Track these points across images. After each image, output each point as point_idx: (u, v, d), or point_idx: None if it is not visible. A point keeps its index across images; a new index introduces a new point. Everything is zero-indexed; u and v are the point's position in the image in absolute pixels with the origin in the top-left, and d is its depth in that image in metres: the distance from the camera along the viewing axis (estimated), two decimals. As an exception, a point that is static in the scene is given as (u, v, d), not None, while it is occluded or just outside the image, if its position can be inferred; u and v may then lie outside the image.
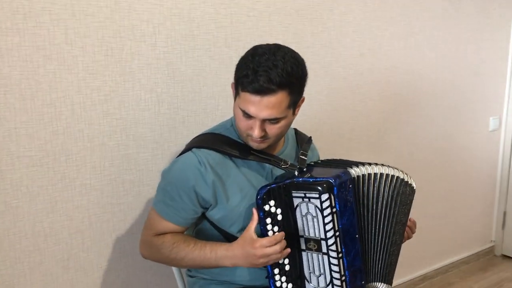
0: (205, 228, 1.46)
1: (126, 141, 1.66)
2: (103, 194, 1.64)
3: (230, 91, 1.85)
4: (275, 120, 1.30)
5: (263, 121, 1.29)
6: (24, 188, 1.49)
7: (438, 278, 2.93)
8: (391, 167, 1.41)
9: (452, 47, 2.70)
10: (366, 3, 2.25)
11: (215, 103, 1.84)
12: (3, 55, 1.40)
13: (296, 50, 1.33)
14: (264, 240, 1.27)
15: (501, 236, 3.26)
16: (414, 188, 1.44)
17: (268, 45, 1.30)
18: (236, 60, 1.83)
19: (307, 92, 2.09)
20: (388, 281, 1.43)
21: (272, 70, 1.22)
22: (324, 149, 1.92)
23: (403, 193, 1.40)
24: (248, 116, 1.29)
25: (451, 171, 2.88)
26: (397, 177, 1.40)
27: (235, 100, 1.35)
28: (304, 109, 2.11)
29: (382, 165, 1.40)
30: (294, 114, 1.36)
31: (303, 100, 1.39)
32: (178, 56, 1.72)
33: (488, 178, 3.17)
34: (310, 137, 1.60)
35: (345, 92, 2.28)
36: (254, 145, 1.36)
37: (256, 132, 1.29)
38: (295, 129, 1.61)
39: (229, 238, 1.39)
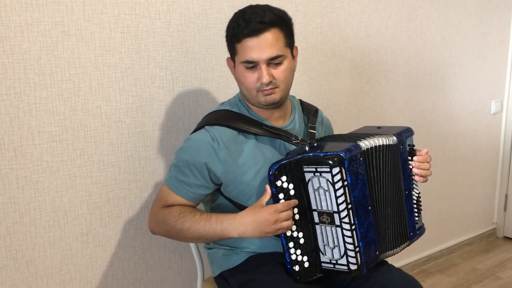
0: (221, 204, 1.48)
1: (142, 118, 1.68)
2: (120, 170, 1.66)
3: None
4: (278, 59, 1.33)
5: (268, 64, 1.33)
6: (44, 163, 1.51)
7: (442, 259, 2.98)
8: (384, 134, 1.45)
9: (455, 30, 2.73)
10: (372, -15, 2.28)
11: (227, 82, 1.86)
12: (22, 30, 1.42)
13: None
14: (279, 205, 1.30)
15: (502, 218, 3.31)
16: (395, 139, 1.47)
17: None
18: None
19: (316, 72, 2.14)
20: (400, 242, 1.48)
21: (260, 14, 1.31)
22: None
23: (395, 154, 1.46)
24: (252, 66, 1.33)
25: (453, 154, 2.92)
26: (392, 145, 1.44)
27: (234, 67, 1.39)
28: (312, 89, 2.15)
29: (380, 135, 1.44)
30: (294, 59, 1.42)
31: (297, 50, 1.44)
32: (191, 34, 1.74)
33: (490, 161, 3.21)
34: (317, 109, 1.61)
35: (352, 73, 2.30)
36: (266, 99, 1.37)
37: (265, 77, 1.32)
38: (300, 100, 1.63)
39: None
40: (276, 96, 1.38)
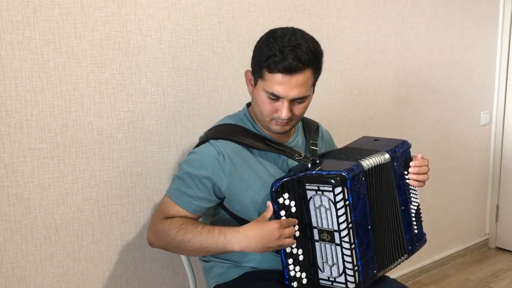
0: (222, 218, 1.47)
1: (133, 134, 1.68)
2: (111, 186, 1.66)
3: (232, 85, 1.91)
4: (302, 99, 1.34)
5: (291, 101, 1.32)
6: (35, 180, 1.51)
7: (435, 270, 2.98)
8: (378, 152, 1.46)
9: (443, 43, 2.78)
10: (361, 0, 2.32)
11: (219, 96, 1.87)
12: (14, 48, 1.43)
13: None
14: (284, 221, 1.30)
15: (494, 229, 3.32)
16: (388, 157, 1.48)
17: (283, 27, 1.34)
18: (238, 55, 1.91)
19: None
20: (397, 257, 1.48)
21: (298, 49, 1.26)
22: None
23: (389, 171, 1.47)
24: (274, 98, 1.32)
25: (444, 165, 2.95)
26: (384, 164, 1.45)
27: (254, 86, 1.37)
28: (303, 103, 2.17)
29: (375, 153, 1.45)
30: (313, 93, 1.41)
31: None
32: (182, 50, 1.76)
33: (481, 172, 3.24)
34: (318, 126, 1.62)
35: (342, 86, 2.33)
36: (277, 128, 1.38)
37: (285, 113, 1.32)
38: None
39: None
40: (287, 128, 1.40)
